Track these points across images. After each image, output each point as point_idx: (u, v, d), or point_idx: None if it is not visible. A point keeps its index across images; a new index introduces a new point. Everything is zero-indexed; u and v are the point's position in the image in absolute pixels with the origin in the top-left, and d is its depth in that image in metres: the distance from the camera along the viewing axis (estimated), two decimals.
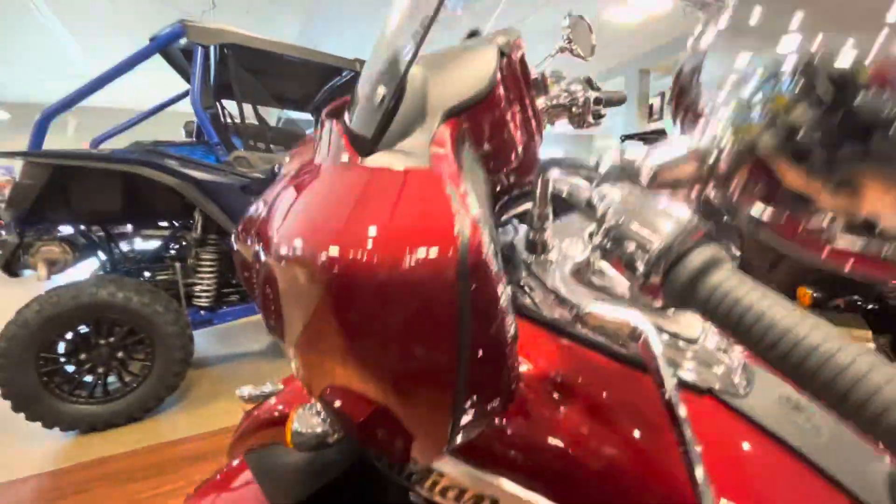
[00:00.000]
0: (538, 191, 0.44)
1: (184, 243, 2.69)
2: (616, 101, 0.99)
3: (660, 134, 5.55)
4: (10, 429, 2.00)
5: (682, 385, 0.42)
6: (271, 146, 2.85)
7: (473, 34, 0.79)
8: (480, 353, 0.26)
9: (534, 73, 0.89)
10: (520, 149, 0.48)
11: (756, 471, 0.38)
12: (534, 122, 0.52)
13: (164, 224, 2.69)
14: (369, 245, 0.25)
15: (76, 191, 2.13)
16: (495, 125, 0.42)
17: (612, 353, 0.42)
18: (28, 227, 2.14)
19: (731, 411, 0.41)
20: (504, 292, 0.27)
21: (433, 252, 0.24)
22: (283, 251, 0.29)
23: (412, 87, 0.43)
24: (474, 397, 0.27)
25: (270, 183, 0.47)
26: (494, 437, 0.38)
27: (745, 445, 0.39)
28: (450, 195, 0.26)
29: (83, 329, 2.00)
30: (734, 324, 0.25)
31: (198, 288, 2.45)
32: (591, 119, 0.87)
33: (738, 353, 0.46)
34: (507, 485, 0.38)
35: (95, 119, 5.47)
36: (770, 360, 0.24)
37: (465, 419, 0.28)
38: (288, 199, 0.34)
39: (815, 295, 1.32)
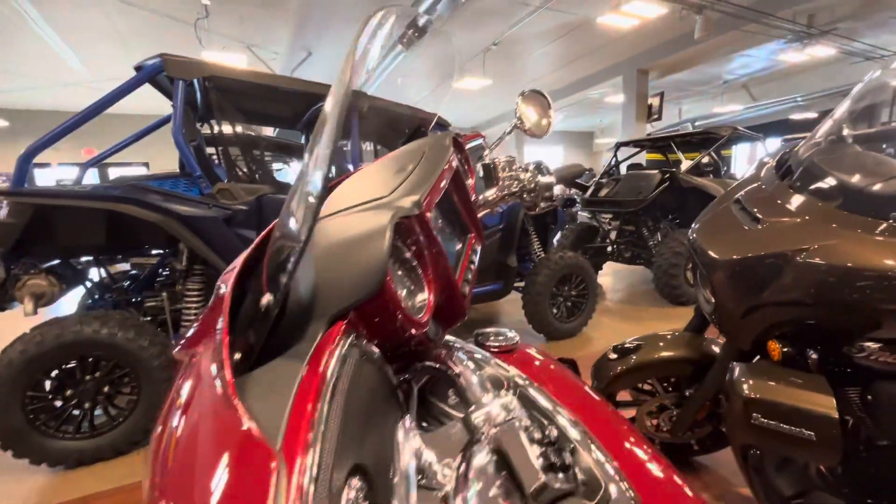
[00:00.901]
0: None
1: (172, 269, 2.71)
2: (571, 176, 0.99)
3: (654, 142, 5.51)
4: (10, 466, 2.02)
5: None
6: (266, 156, 2.85)
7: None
8: None
9: (486, 159, 0.89)
10: (425, 317, 0.48)
11: None
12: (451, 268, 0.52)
13: (153, 251, 2.71)
14: None
15: (60, 226, 2.14)
16: (389, 312, 0.42)
17: None
18: (14, 261, 2.15)
19: None
20: None
21: None
22: None
23: (299, 288, 0.43)
24: None
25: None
26: None
27: None
28: (270, 488, 0.26)
29: (70, 364, 2.01)
30: None
31: (185, 315, 2.47)
32: (542, 205, 0.87)
33: None
34: None
35: (97, 124, 5.50)
36: None
37: None
38: (168, 435, 0.34)
39: (784, 350, 1.31)
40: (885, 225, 1.15)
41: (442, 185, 0.57)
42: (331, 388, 0.34)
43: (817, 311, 1.20)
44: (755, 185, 1.49)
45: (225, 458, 0.30)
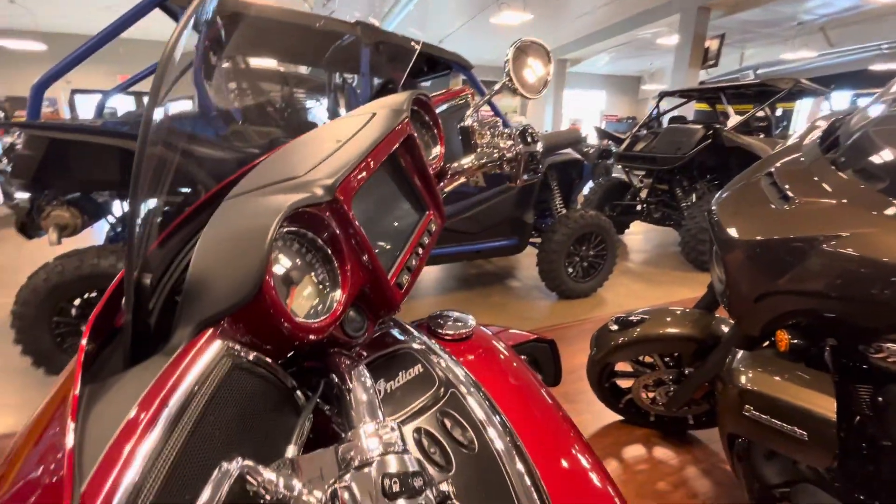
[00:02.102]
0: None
1: None
2: (566, 144, 0.88)
3: (702, 92, 5.01)
4: (42, 381, 2.23)
5: None
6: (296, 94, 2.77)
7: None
8: None
9: (467, 121, 0.79)
10: (328, 321, 0.43)
11: None
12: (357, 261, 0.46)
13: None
14: None
15: (75, 160, 2.18)
16: (271, 319, 0.38)
17: None
18: (38, 193, 2.23)
19: None
20: None
21: None
22: None
23: (184, 286, 0.39)
24: None
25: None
26: None
27: None
28: None
29: (92, 294, 2.13)
30: None
31: None
32: (524, 176, 0.78)
33: None
34: None
35: (130, 49, 5.51)
36: None
37: None
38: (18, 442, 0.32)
39: (793, 341, 1.22)
40: None
41: (372, 162, 0.50)
42: (179, 407, 0.31)
43: (840, 304, 1.09)
44: (794, 156, 1.32)
45: (33, 482, 0.28)
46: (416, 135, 0.61)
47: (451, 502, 0.33)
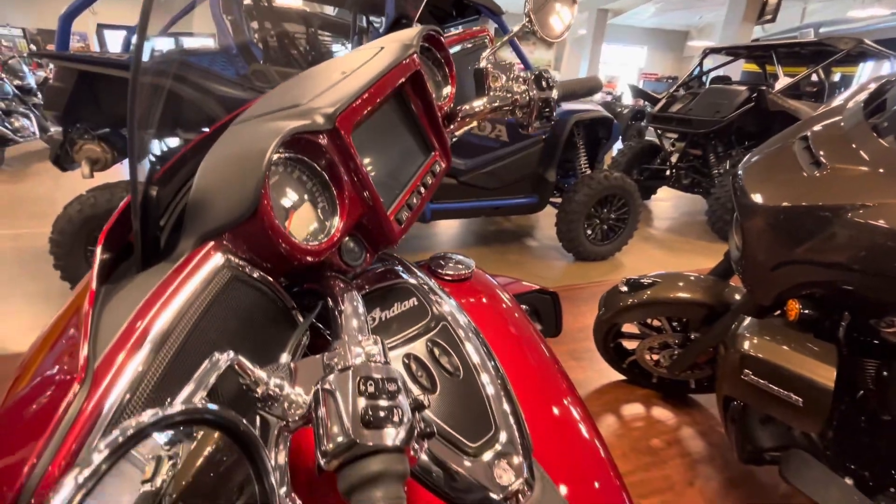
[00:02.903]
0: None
1: None
2: (583, 92, 0.85)
3: (751, 50, 4.65)
4: None
5: (441, 496, 0.44)
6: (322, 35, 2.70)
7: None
8: None
9: (482, 63, 0.77)
10: (326, 245, 0.45)
11: None
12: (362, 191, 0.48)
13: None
14: None
15: (104, 95, 2.22)
16: (269, 238, 0.40)
17: (436, 491, 0.44)
18: (70, 126, 2.30)
19: None
20: None
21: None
22: None
23: (188, 204, 0.41)
24: None
25: None
26: None
27: None
28: (60, 411, 0.27)
29: None
30: None
31: None
32: (536, 124, 0.77)
33: (520, 465, 0.47)
34: None
35: None
36: None
37: None
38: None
39: (803, 311, 1.20)
40: None
41: (375, 95, 0.50)
42: (180, 309, 0.34)
43: (861, 277, 1.06)
44: (834, 119, 1.24)
45: (52, 364, 0.31)
46: (424, 71, 0.61)
47: (427, 413, 0.36)
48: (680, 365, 1.71)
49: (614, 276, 3.28)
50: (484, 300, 0.66)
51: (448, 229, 4.01)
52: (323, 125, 0.43)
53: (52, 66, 2.12)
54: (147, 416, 0.22)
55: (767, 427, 1.36)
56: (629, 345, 1.94)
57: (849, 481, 1.26)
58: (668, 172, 4.64)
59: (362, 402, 0.31)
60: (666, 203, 5.46)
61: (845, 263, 1.06)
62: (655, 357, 1.86)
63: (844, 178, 1.08)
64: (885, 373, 1.13)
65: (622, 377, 2.03)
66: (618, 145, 5.74)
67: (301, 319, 0.46)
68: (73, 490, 0.19)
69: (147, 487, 0.24)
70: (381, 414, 0.31)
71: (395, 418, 0.31)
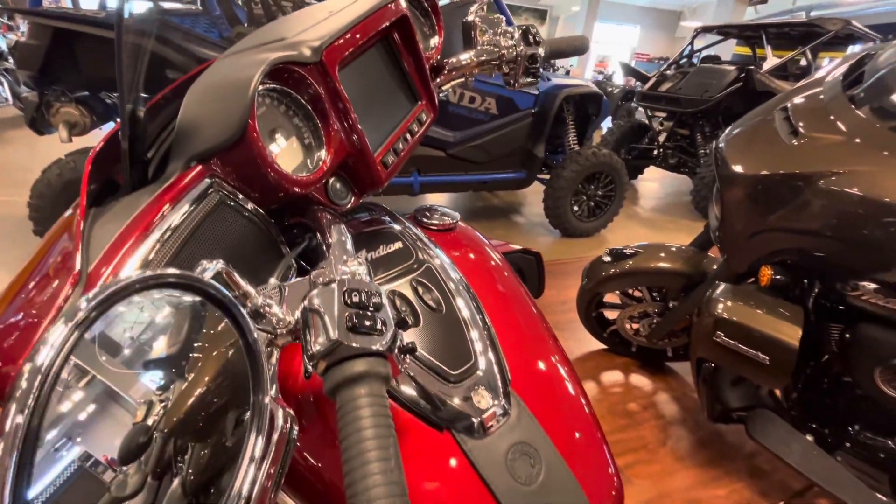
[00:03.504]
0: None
1: None
2: (570, 51, 0.86)
3: (742, 29, 4.65)
4: None
5: (424, 420, 0.47)
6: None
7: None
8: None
9: (471, 17, 0.77)
10: (312, 177, 0.46)
11: None
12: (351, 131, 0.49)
13: None
14: None
15: (81, 55, 2.14)
16: (257, 165, 0.41)
17: (418, 413, 0.46)
18: (46, 88, 2.22)
19: (460, 451, 0.46)
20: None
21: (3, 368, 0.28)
22: None
23: (175, 132, 0.41)
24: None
25: None
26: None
27: (456, 487, 0.45)
28: (58, 305, 0.29)
29: None
30: (340, 429, 0.30)
31: None
32: (522, 79, 0.77)
33: (498, 390, 0.50)
34: None
35: None
36: (343, 456, 0.29)
37: None
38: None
39: (775, 277, 1.25)
40: None
41: (358, 35, 0.50)
42: (171, 222, 0.35)
43: (831, 243, 1.11)
44: (814, 91, 1.27)
45: (46, 270, 0.32)
46: (411, 17, 0.61)
47: (407, 328, 0.38)
48: (658, 333, 1.77)
49: (599, 251, 3.32)
50: (469, 252, 0.68)
51: (436, 203, 4.01)
52: (309, 57, 0.44)
53: (24, 24, 2.03)
54: (125, 279, 0.24)
55: (736, 388, 1.43)
56: (610, 314, 1.99)
57: (810, 438, 1.34)
58: (655, 152, 4.68)
59: (348, 311, 0.33)
60: (653, 183, 5.52)
61: (817, 230, 1.11)
62: (635, 326, 1.92)
63: (819, 146, 1.11)
64: (847, 336, 1.19)
65: (603, 346, 2.10)
66: (607, 124, 5.74)
67: (288, 250, 0.47)
68: (61, 338, 0.21)
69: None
70: (366, 322, 0.33)
71: (379, 326, 0.33)
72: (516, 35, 0.75)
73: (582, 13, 13.46)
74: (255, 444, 0.30)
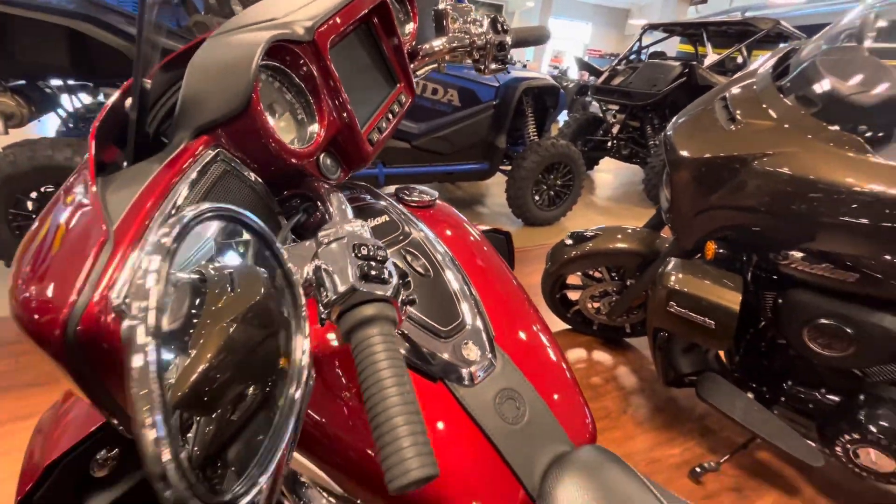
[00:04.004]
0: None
1: None
2: (533, 40, 0.92)
3: (685, 27, 4.94)
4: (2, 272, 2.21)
5: (418, 372, 0.51)
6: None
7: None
8: (120, 385, 0.33)
9: (442, 4, 0.81)
10: (309, 149, 0.49)
11: (452, 451, 0.48)
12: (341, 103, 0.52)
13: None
14: (23, 288, 0.32)
15: (17, 40, 2.00)
16: (259, 136, 0.43)
17: (414, 367, 0.50)
18: None
19: (453, 398, 0.51)
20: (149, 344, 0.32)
21: (44, 317, 0.30)
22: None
23: (177, 108, 0.43)
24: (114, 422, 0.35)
25: None
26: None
27: (451, 429, 0.50)
28: (93, 259, 0.31)
29: (49, 189, 2.07)
30: (357, 364, 0.34)
31: None
32: (492, 65, 0.82)
33: (485, 345, 0.55)
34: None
35: None
36: (364, 392, 0.33)
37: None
38: (35, 224, 0.38)
39: (718, 251, 1.38)
40: (853, 140, 1.12)
41: (348, 15, 0.53)
42: (183, 189, 0.37)
43: (764, 218, 1.23)
44: (748, 81, 1.40)
45: (66, 236, 0.34)
46: (389, 2, 0.64)
47: (407, 280, 0.42)
48: (618, 310, 1.89)
49: (559, 239, 3.47)
50: (449, 226, 0.73)
51: None
52: (303, 36, 0.46)
53: None
54: (190, 210, 0.28)
55: (687, 355, 1.56)
56: (573, 295, 2.10)
57: (751, 396, 1.49)
58: (609, 144, 4.89)
59: (358, 262, 0.37)
60: (607, 174, 5.78)
61: (753, 206, 1.23)
62: (596, 305, 2.03)
63: (754, 131, 1.24)
64: (780, 301, 1.33)
65: (567, 326, 2.21)
66: (563, 117, 5.94)
67: (286, 222, 0.50)
68: (157, 266, 0.24)
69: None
70: (375, 272, 0.37)
71: (386, 275, 0.37)
72: (485, 23, 0.80)
73: (536, 9, 13.75)
74: (295, 391, 0.34)
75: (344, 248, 0.37)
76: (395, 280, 0.38)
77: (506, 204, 3.49)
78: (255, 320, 0.32)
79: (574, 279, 2.03)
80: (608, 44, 17.30)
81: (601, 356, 2.08)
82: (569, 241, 1.87)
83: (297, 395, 0.34)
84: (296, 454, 0.49)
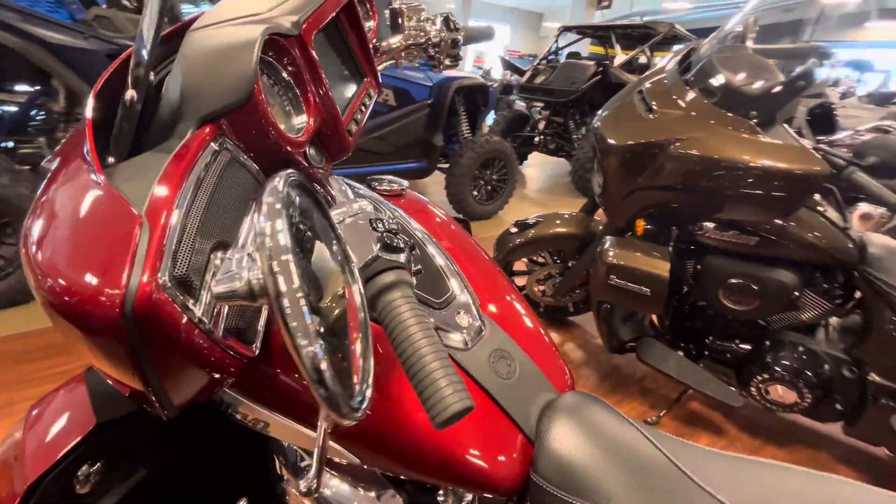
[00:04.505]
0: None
1: (49, 111, 2.35)
2: (480, 38, 0.99)
3: (596, 29, 5.35)
4: None
5: None
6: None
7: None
8: (168, 363, 0.35)
9: (397, 2, 0.85)
10: (303, 137, 0.51)
11: None
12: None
13: (20, 88, 2.30)
14: (62, 277, 0.32)
15: None
16: (261, 125, 0.45)
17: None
18: None
19: (453, 361, 0.56)
20: (200, 314, 0.35)
21: (99, 299, 0.31)
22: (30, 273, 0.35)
23: (171, 91, 0.44)
24: (177, 386, 0.37)
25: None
26: (261, 383, 0.50)
27: None
28: (134, 243, 0.32)
29: None
30: (387, 325, 0.38)
31: None
32: (447, 62, 0.88)
33: (474, 314, 0.60)
34: (272, 414, 0.51)
35: None
36: (396, 348, 0.37)
37: (178, 399, 0.37)
38: (39, 216, 0.37)
39: (647, 227, 1.56)
40: (747, 124, 1.32)
41: (329, 11, 0.56)
42: (197, 176, 0.38)
43: (680, 195, 1.41)
44: (659, 77, 1.58)
45: (93, 223, 0.34)
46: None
47: (416, 252, 0.46)
48: (562, 290, 2.04)
49: (499, 231, 3.62)
50: (421, 212, 0.77)
51: None
52: (290, 30, 0.49)
53: None
54: (279, 177, 0.33)
55: (627, 323, 1.73)
56: (519, 281, 2.22)
57: (681, 353, 1.68)
58: (536, 139, 5.17)
59: (376, 234, 0.40)
60: (536, 169, 6.09)
61: (671, 185, 1.41)
62: (542, 288, 2.17)
63: (668, 119, 1.41)
64: (699, 267, 1.53)
65: None
66: (490, 117, 6.17)
67: None
68: (286, 221, 0.29)
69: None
70: (391, 242, 0.41)
71: (402, 244, 0.41)
72: (438, 21, 0.86)
73: (456, 11, 14.07)
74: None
75: (363, 221, 0.41)
76: (407, 248, 0.42)
77: (446, 200, 3.57)
78: (336, 268, 0.37)
79: (520, 265, 2.15)
80: (526, 45, 18.15)
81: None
82: (514, 230, 1.99)
83: (368, 327, 0.39)
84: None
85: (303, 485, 0.35)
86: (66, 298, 0.32)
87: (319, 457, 0.36)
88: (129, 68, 0.40)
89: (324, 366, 0.28)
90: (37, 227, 0.36)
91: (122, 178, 0.38)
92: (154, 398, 0.35)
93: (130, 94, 0.39)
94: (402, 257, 0.41)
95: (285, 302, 0.28)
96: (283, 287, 0.28)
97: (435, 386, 0.35)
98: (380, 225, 0.41)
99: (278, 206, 0.30)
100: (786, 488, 0.46)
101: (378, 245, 0.40)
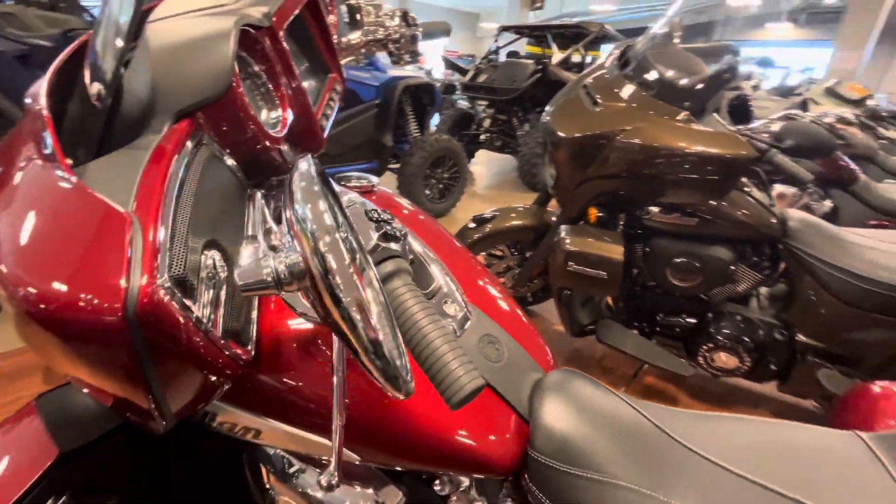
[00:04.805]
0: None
1: None
2: (438, 33, 1.00)
3: (532, 29, 5.54)
4: None
5: None
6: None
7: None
8: (170, 368, 0.33)
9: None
10: (278, 125, 0.50)
11: None
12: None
13: None
14: (51, 287, 0.29)
15: None
16: (240, 119, 0.44)
17: None
18: None
19: None
20: (200, 315, 0.33)
21: (99, 303, 0.29)
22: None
23: (137, 84, 0.41)
24: (177, 392, 0.35)
25: (59, 53, 0.40)
26: (252, 389, 0.48)
27: None
28: (128, 245, 0.30)
29: None
30: (394, 311, 0.38)
31: None
32: (407, 57, 0.88)
33: (460, 302, 0.61)
34: (265, 420, 0.49)
35: None
36: (404, 336, 0.37)
37: (176, 406, 0.35)
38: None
39: (599, 215, 1.64)
40: (682, 114, 1.43)
41: (295, 3, 0.55)
42: (179, 172, 0.36)
43: (626, 182, 1.50)
44: (601, 72, 1.67)
45: (75, 228, 0.31)
46: None
47: (407, 241, 0.46)
48: (521, 281, 2.10)
49: (453, 228, 3.66)
50: (395, 206, 0.77)
51: None
52: (261, 21, 0.47)
53: None
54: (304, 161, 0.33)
55: (585, 307, 1.82)
56: None
57: (635, 332, 1.79)
58: (482, 137, 5.27)
59: (373, 224, 0.40)
60: (482, 166, 6.21)
61: (617, 174, 1.49)
62: (502, 280, 2.22)
63: (612, 112, 1.50)
64: (647, 249, 1.63)
65: None
66: (436, 117, 6.21)
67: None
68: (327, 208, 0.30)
69: None
70: (389, 231, 0.41)
71: (398, 233, 0.42)
72: (397, 17, 0.86)
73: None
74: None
75: (360, 213, 0.41)
76: (403, 238, 0.43)
77: None
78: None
79: (479, 259, 2.19)
80: (464, 45, 18.41)
81: None
82: (472, 225, 2.02)
83: (389, 307, 0.39)
84: (312, 436, 0.50)
85: (324, 480, 0.35)
86: (53, 308, 0.29)
87: (338, 451, 0.35)
88: (88, 60, 0.38)
89: (381, 337, 0.29)
90: (6, 233, 0.33)
91: (95, 179, 0.35)
92: (154, 406, 0.33)
93: (97, 88, 0.36)
94: (399, 246, 0.41)
95: (338, 279, 0.28)
96: (333, 264, 0.28)
97: (447, 369, 0.36)
98: (374, 215, 0.41)
99: (316, 188, 0.30)
100: (760, 436, 0.51)
101: (377, 234, 0.40)
